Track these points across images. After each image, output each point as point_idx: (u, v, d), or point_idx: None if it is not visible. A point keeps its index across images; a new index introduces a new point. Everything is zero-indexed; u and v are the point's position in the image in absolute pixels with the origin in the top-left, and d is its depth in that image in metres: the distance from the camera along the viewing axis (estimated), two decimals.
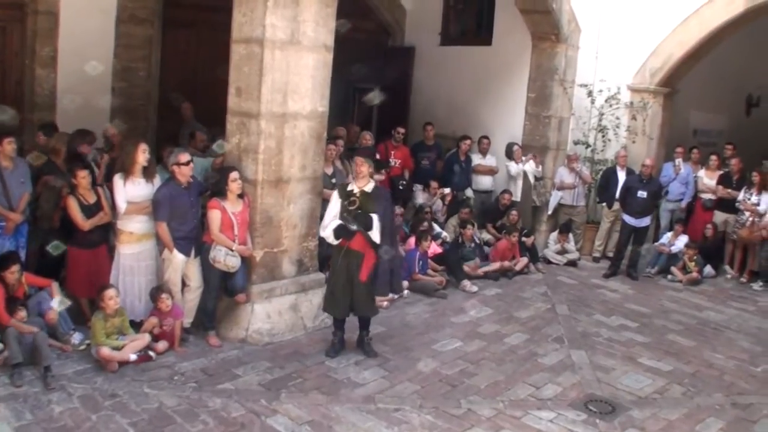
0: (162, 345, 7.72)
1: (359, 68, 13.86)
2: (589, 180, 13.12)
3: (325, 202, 9.14)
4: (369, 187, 7.94)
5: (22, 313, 7.28)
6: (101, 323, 7.32)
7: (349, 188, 7.98)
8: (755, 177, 12.34)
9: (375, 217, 7.77)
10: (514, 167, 12.93)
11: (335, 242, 7.93)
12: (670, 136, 13.76)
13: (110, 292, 7.44)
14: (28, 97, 10.92)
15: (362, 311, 8.09)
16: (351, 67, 12.75)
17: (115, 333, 7.43)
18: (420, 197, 12.69)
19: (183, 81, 12.39)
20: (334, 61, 8.64)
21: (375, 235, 7.81)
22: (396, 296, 9.95)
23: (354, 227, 7.73)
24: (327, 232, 7.94)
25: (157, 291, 7.90)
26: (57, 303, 7.40)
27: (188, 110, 12.05)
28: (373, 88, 14.76)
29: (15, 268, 7.44)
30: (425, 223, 11.38)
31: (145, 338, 7.58)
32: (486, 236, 12.53)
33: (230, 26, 8.33)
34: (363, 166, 7.89)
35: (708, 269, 12.48)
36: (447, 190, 12.68)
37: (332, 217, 7.93)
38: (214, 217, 7.92)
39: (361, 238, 7.81)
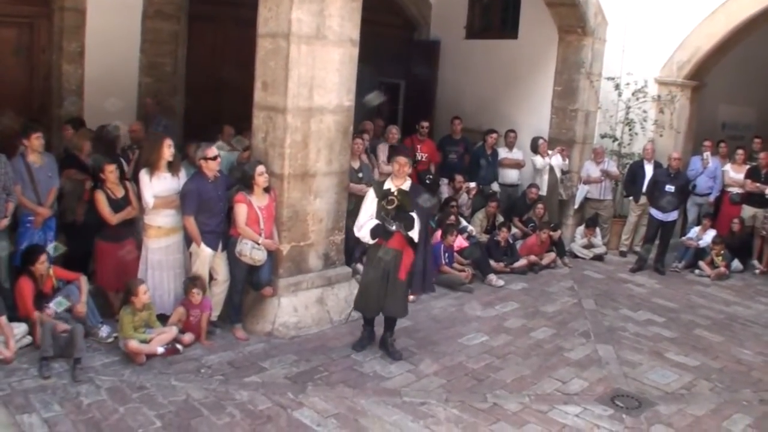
0: (188, 337, 7.76)
1: (385, 62, 13.84)
2: (617, 177, 13.07)
3: (351, 196, 9.16)
4: (406, 185, 7.80)
5: (50, 311, 7.39)
6: (129, 317, 7.38)
7: (386, 187, 7.80)
8: None
9: (416, 217, 7.65)
10: (539, 161, 12.89)
11: (371, 242, 7.81)
12: (697, 129, 13.67)
13: (143, 287, 7.51)
14: (56, 92, 11.03)
15: (394, 312, 7.93)
16: (377, 61, 12.72)
17: (142, 326, 7.49)
18: (444, 191, 12.69)
19: (208, 75, 12.43)
20: (359, 55, 8.63)
21: (414, 233, 7.67)
22: None
23: (393, 228, 7.58)
24: (363, 232, 7.78)
25: (191, 282, 7.93)
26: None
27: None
28: (399, 83, 14.77)
29: (42, 257, 7.52)
30: (451, 217, 11.36)
31: (172, 331, 7.63)
32: (513, 230, 12.47)
33: (255, 21, 8.34)
34: (406, 167, 7.77)
35: (736, 264, 12.40)
36: (472, 184, 12.65)
37: (369, 217, 7.78)
38: (241, 210, 7.94)
39: (399, 236, 7.67)
